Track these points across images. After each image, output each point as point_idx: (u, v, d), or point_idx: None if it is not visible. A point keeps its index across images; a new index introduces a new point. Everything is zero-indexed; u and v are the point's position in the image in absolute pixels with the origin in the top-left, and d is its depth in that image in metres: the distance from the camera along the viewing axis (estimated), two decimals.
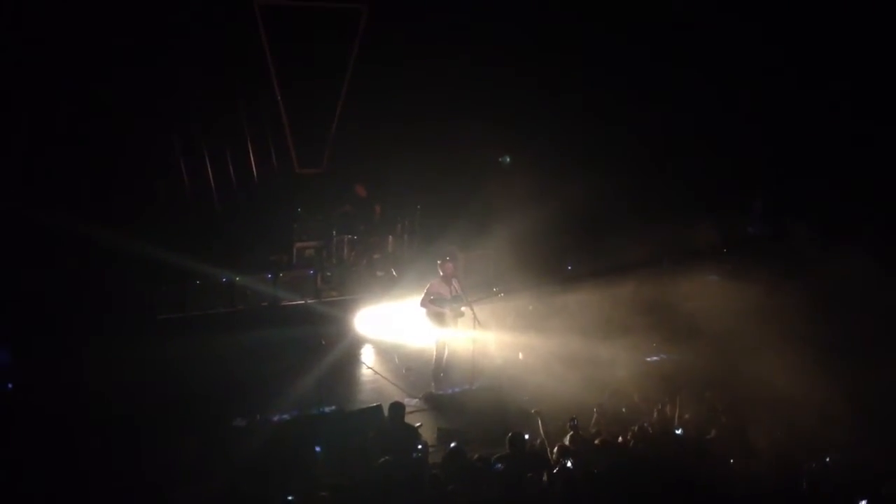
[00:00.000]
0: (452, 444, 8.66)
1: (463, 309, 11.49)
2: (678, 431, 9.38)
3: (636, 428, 9.21)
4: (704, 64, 15.99)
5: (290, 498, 7.53)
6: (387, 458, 8.04)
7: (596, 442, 8.85)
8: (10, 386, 10.33)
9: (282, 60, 14.66)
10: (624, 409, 10.07)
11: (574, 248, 15.03)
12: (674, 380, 10.58)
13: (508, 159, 15.54)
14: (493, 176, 15.06)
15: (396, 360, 12.56)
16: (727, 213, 16.13)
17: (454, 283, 11.58)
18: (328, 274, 14.24)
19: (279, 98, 14.81)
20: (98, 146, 13.05)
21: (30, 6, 12.19)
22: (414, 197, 15.42)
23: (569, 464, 8.29)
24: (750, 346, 11.16)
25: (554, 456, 8.57)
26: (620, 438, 9.10)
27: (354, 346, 12.84)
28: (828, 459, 8.36)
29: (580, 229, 15.03)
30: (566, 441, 8.88)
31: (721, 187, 16.13)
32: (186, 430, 9.27)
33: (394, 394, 11.39)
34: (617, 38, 15.68)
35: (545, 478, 7.85)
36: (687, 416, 9.52)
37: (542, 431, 9.16)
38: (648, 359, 12.22)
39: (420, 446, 9.06)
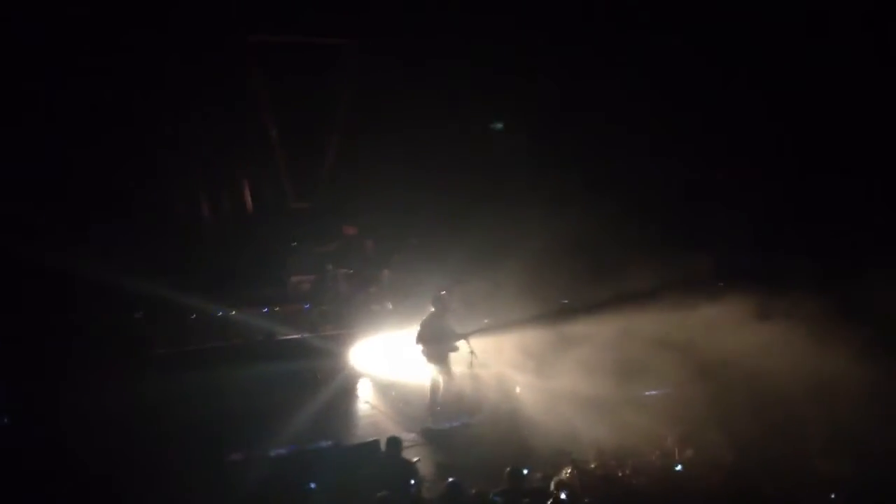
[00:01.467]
0: (450, 479, 8.60)
1: (458, 344, 11.45)
2: (678, 468, 9.32)
3: (635, 462, 9.16)
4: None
5: None
6: (384, 493, 7.97)
7: (596, 474, 8.81)
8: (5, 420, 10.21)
9: (275, 95, 14.72)
10: (623, 444, 9.98)
11: (570, 279, 14.98)
12: (673, 415, 10.51)
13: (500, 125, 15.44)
14: (488, 208, 15.05)
15: (393, 394, 12.48)
16: (722, 244, 16.14)
17: (449, 317, 11.57)
18: (323, 308, 14.19)
19: (273, 133, 14.84)
20: (91, 180, 13.04)
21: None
22: (409, 231, 15.44)
23: (563, 496, 8.24)
24: (751, 380, 11.11)
25: (552, 489, 8.53)
26: (620, 472, 9.05)
27: (351, 380, 12.76)
28: (833, 496, 8.31)
29: (575, 260, 15.00)
30: (564, 475, 8.83)
31: (715, 218, 16.13)
32: (184, 465, 9.18)
33: (391, 428, 11.33)
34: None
35: None
36: (689, 452, 9.46)
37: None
38: (647, 393, 12.11)
39: (414, 481, 8.98)
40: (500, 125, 15.77)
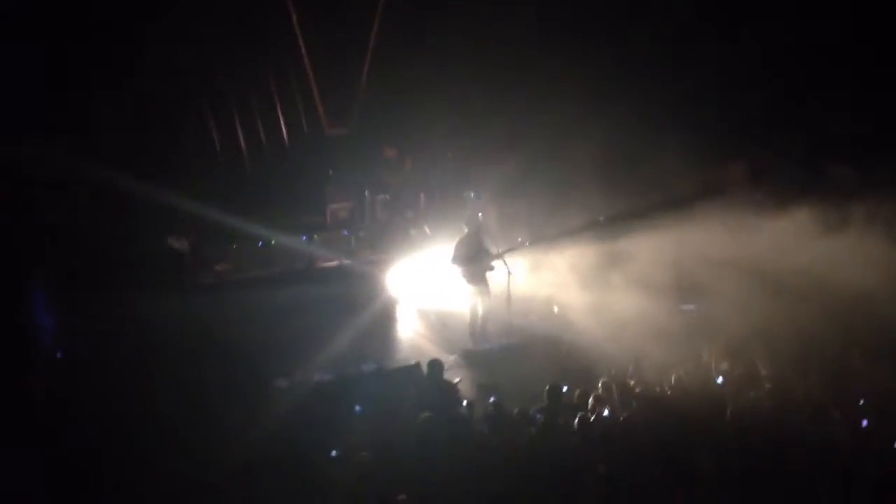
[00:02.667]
0: (492, 398, 8.75)
1: (494, 263, 11.49)
2: (719, 380, 9.39)
3: (673, 378, 9.24)
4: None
5: (333, 454, 7.69)
6: (427, 414, 8.15)
7: (634, 391, 8.91)
8: (59, 355, 10.54)
9: (307, 19, 14.55)
10: (661, 359, 10.05)
11: (606, 192, 14.81)
12: (709, 329, 10.53)
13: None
14: (526, 123, 14.89)
15: (432, 317, 12.64)
16: (762, 155, 15.82)
17: (484, 236, 11.60)
18: (362, 234, 14.32)
19: (306, 59, 14.73)
20: (130, 105, 13.10)
21: None
22: (445, 150, 15.38)
23: (605, 412, 8.37)
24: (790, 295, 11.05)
25: (590, 405, 8.65)
26: (657, 388, 9.15)
27: (390, 304, 12.91)
28: (861, 402, 8.34)
29: (612, 172, 14.83)
30: (601, 391, 8.94)
31: (755, 127, 15.74)
32: (230, 391, 9.47)
33: (431, 351, 11.48)
34: None
35: (576, 422, 7.94)
36: (724, 365, 9.51)
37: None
38: (683, 308, 12.10)
39: (464, 402, 9.16)
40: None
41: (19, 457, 8.02)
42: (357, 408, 9.05)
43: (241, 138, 14.30)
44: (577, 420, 8.07)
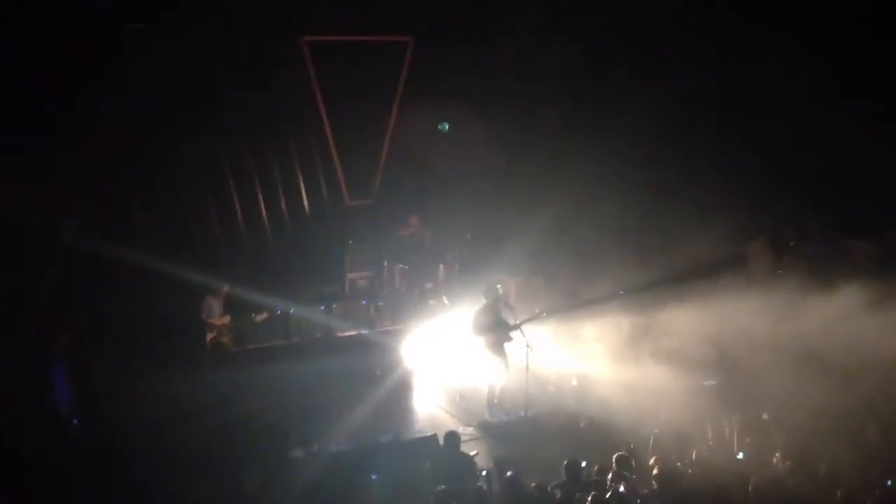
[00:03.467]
0: (509, 473, 8.64)
1: (512, 334, 11.49)
2: (740, 456, 9.25)
3: (695, 453, 9.11)
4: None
5: None
6: (443, 486, 8.06)
7: (654, 468, 8.78)
8: (75, 421, 10.55)
9: (330, 94, 14.88)
10: (682, 434, 9.92)
11: (622, 266, 14.84)
12: (733, 404, 10.41)
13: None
14: (542, 200, 15.02)
15: (450, 388, 12.58)
16: (781, 232, 15.85)
17: (503, 308, 11.63)
18: (380, 304, 14.37)
19: (328, 131, 15.01)
20: (148, 176, 13.34)
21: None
22: (463, 227, 15.53)
23: (621, 488, 8.24)
24: (809, 369, 10.94)
25: (609, 481, 8.52)
26: (679, 463, 9.01)
27: (408, 375, 12.86)
28: (889, 483, 8.18)
29: (629, 244, 14.88)
30: (618, 466, 8.82)
31: (775, 205, 15.81)
32: (248, 460, 9.43)
33: (448, 423, 11.43)
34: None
35: (589, 500, 7.81)
36: (748, 439, 9.37)
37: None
38: (705, 383, 11.99)
39: (482, 473, 9.06)
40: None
41: None
42: (374, 476, 8.95)
43: (263, 208, 14.49)
44: (590, 499, 7.93)
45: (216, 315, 12.47)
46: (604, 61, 15.48)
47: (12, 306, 11.48)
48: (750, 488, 8.09)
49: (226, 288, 12.57)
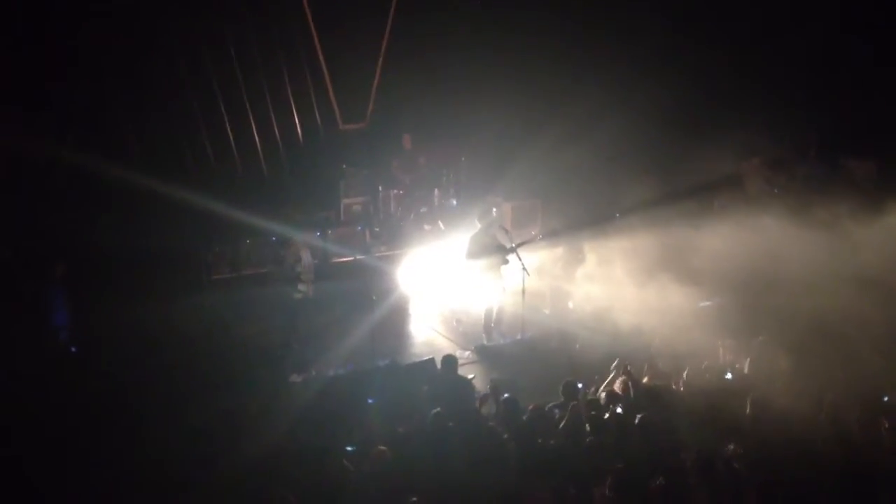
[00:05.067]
0: (506, 395, 8.72)
1: (508, 258, 11.45)
2: (728, 376, 9.32)
3: (686, 374, 9.18)
4: None
5: (349, 448, 7.69)
6: (438, 410, 8.10)
7: (647, 387, 8.86)
8: (73, 349, 10.60)
9: (321, 15, 14.53)
10: (676, 355, 9.97)
11: (622, 186, 14.69)
12: (728, 325, 10.44)
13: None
14: (538, 123, 14.83)
15: (447, 312, 12.61)
16: (778, 151, 15.72)
17: (499, 232, 11.57)
18: (376, 229, 14.32)
19: (320, 54, 14.71)
20: (140, 102, 13.16)
21: None
22: (458, 149, 15.36)
23: (618, 410, 8.32)
24: (804, 290, 10.95)
25: (603, 402, 8.60)
26: (672, 384, 9.09)
27: (405, 300, 12.90)
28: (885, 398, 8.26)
29: (625, 166, 14.74)
30: (616, 387, 8.90)
31: (771, 124, 15.61)
32: (244, 385, 9.49)
33: (446, 347, 11.50)
34: None
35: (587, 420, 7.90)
36: (747, 359, 9.43)
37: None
38: (701, 304, 12.00)
39: (478, 398, 9.13)
40: None
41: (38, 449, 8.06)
42: (371, 400, 9.02)
43: (256, 134, 14.30)
44: (588, 418, 8.01)
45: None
46: None
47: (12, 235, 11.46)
48: (748, 409, 8.16)
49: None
